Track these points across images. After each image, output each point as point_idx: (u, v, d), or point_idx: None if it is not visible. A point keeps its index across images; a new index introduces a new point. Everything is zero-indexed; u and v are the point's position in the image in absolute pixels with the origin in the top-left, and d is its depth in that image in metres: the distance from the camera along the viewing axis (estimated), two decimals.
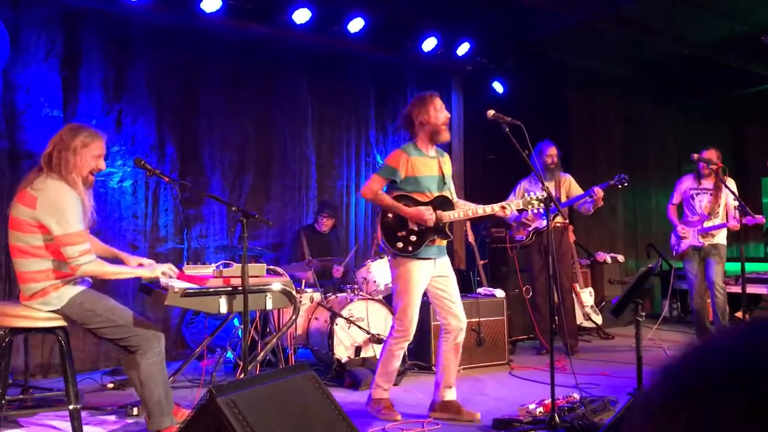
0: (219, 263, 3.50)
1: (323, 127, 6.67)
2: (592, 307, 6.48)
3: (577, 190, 5.63)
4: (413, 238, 3.62)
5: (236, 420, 2.05)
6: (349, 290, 5.15)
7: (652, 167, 9.10)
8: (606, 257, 7.30)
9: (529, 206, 3.74)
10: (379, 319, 4.90)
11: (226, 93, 6.04)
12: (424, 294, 3.75)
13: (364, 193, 3.72)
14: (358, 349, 4.77)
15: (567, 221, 5.79)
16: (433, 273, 3.70)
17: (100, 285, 3.39)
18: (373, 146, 7.02)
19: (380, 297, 5.08)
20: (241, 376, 3.50)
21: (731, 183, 5.46)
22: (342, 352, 4.74)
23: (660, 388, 0.53)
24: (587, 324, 6.47)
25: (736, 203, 5.26)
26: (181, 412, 3.29)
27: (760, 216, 5.40)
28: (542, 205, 3.63)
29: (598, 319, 6.49)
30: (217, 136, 5.99)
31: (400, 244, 3.63)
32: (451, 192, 3.79)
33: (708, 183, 5.70)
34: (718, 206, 5.64)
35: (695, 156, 5.51)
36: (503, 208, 3.70)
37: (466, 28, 6.72)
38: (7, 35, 4.79)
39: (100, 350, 5.19)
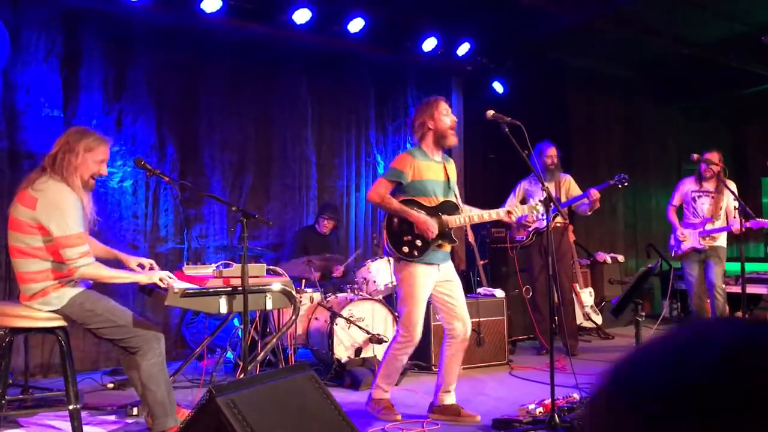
0: (219, 263, 3.50)
1: (323, 127, 6.67)
2: (592, 307, 6.48)
3: (576, 190, 5.63)
4: (419, 242, 3.60)
5: (236, 420, 2.05)
6: (349, 290, 5.16)
7: (652, 167, 9.10)
8: (606, 257, 7.30)
9: (534, 212, 3.75)
10: (379, 320, 4.91)
11: (226, 93, 6.04)
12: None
13: (371, 196, 3.69)
14: (358, 349, 4.77)
15: (567, 221, 5.79)
16: (438, 278, 3.68)
17: (100, 285, 3.39)
18: (373, 146, 7.02)
19: (380, 297, 5.08)
20: (241, 376, 3.50)
21: (731, 185, 5.46)
22: (342, 352, 4.74)
23: (608, 391, 0.54)
24: (587, 324, 6.47)
25: (736, 203, 5.26)
26: (181, 412, 3.29)
27: (766, 220, 5.41)
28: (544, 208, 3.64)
29: (598, 319, 6.50)
30: (217, 136, 5.99)
31: (405, 249, 3.61)
32: (456, 197, 3.79)
33: (710, 185, 5.69)
34: (720, 209, 5.64)
35: (695, 156, 5.50)
36: (509, 213, 3.70)
37: (466, 28, 6.72)
38: (7, 35, 4.79)
39: (100, 350, 5.19)
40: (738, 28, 6.96)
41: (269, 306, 3.48)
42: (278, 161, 6.35)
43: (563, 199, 5.57)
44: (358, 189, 6.87)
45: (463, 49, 6.82)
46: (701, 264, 5.71)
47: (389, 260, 5.13)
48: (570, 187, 5.68)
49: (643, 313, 3.30)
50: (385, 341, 4.72)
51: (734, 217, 5.44)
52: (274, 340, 4.14)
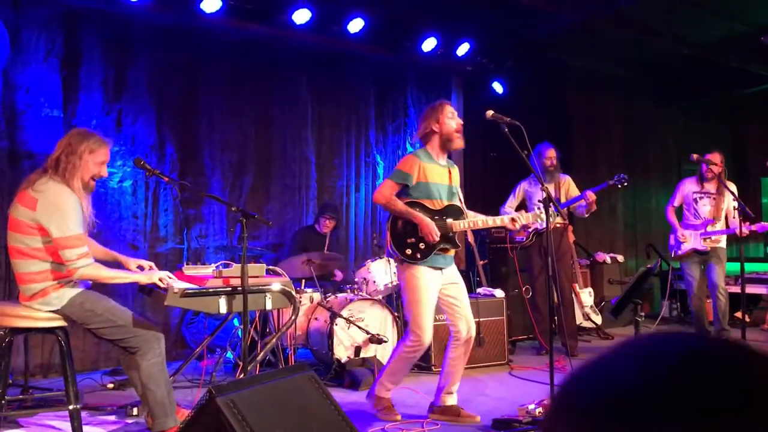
0: (219, 263, 3.51)
1: (323, 127, 6.67)
2: (591, 307, 6.48)
3: (575, 191, 5.64)
4: (422, 245, 3.59)
5: (236, 420, 2.05)
6: (349, 290, 5.16)
7: (652, 167, 9.10)
8: (606, 257, 7.31)
9: (539, 220, 3.74)
10: (379, 320, 4.91)
11: (226, 93, 6.04)
12: None
13: (377, 198, 3.68)
14: (357, 349, 4.77)
15: (567, 222, 5.80)
16: (443, 281, 3.68)
17: (100, 286, 3.39)
18: (373, 146, 7.02)
19: (380, 297, 5.08)
20: (241, 376, 3.50)
21: (732, 186, 5.45)
22: (342, 352, 4.74)
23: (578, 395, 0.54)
24: (587, 324, 6.47)
25: (735, 204, 5.26)
26: (181, 412, 3.29)
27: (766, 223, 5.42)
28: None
29: (598, 319, 6.50)
30: (217, 136, 5.99)
31: (408, 251, 3.60)
32: (461, 202, 3.79)
33: (711, 186, 5.69)
34: (721, 211, 5.64)
35: (695, 156, 5.49)
36: (513, 221, 3.70)
37: (466, 28, 6.72)
38: (7, 35, 4.79)
39: (100, 350, 5.19)
40: (738, 28, 6.96)
41: (269, 306, 3.48)
42: (278, 161, 6.35)
43: (563, 200, 5.58)
44: (357, 189, 6.87)
45: (463, 49, 6.82)
46: (702, 265, 5.71)
47: (389, 260, 5.14)
48: (569, 188, 5.68)
49: (643, 314, 3.30)
50: (385, 341, 4.73)
51: (734, 218, 5.45)
52: (274, 340, 4.14)
